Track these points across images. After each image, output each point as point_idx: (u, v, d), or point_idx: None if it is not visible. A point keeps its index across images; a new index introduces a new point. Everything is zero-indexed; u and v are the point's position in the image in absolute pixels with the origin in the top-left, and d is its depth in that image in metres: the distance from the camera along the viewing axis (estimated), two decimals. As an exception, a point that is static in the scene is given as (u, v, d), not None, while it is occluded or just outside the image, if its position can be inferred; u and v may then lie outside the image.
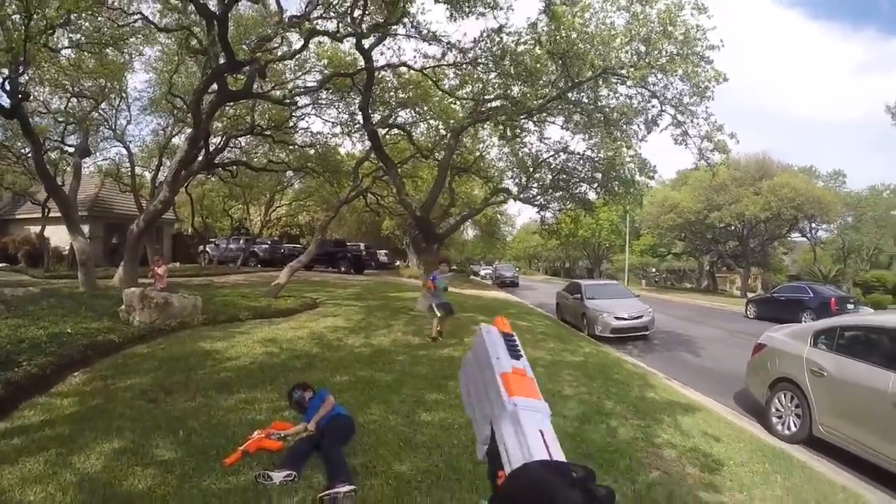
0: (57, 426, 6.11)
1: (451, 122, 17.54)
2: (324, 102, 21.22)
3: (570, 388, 9.26)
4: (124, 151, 26.49)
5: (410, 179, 25.98)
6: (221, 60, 12.58)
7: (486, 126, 19.65)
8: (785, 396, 8.45)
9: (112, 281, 18.40)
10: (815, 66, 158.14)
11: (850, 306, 22.55)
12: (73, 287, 17.14)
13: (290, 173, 31.51)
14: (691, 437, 7.32)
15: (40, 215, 26.93)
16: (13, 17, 13.17)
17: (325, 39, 17.38)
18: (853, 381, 7.22)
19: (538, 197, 19.73)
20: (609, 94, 15.31)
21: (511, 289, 46.86)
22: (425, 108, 19.11)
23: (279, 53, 15.33)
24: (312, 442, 5.32)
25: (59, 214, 18.78)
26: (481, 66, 15.27)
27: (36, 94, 20.44)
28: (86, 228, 28.21)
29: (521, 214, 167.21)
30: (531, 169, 18.78)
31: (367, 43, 14.01)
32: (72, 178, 21.28)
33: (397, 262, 52.33)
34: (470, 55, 14.96)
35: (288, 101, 16.20)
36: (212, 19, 11.58)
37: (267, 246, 40.08)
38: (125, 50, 18.41)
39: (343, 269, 37.12)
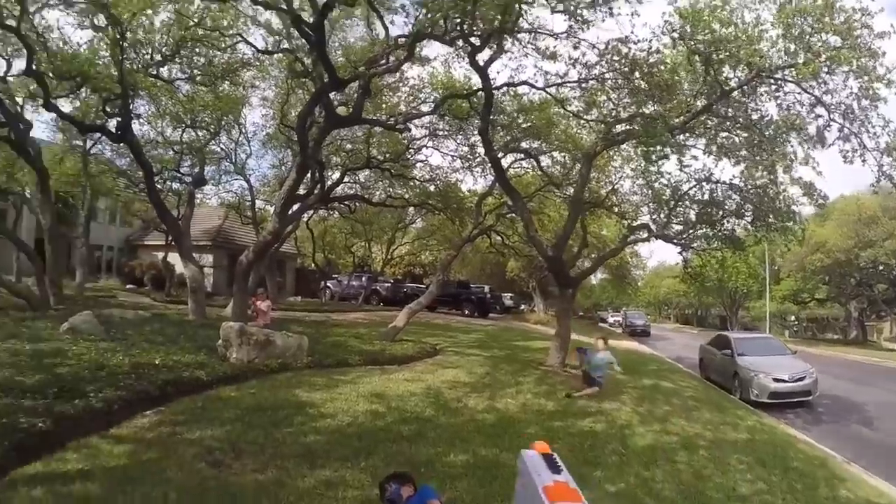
0: (91, 482, 5.07)
1: (578, 153, 15.90)
2: (441, 133, 20.29)
3: (746, 483, 7.18)
4: (245, 185, 27.43)
5: (536, 218, 24.38)
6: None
7: (616, 156, 17.74)
8: None
9: (225, 311, 18.28)
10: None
11: None
12: (184, 314, 17.21)
13: (411, 211, 31.49)
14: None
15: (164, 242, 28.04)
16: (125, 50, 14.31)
17: (439, 67, 16.34)
18: None
19: (681, 235, 17.29)
20: (760, 107, 12.80)
21: (642, 338, 43.35)
22: (550, 137, 17.41)
23: (386, 73, 14.36)
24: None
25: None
26: (609, 81, 13.47)
27: (153, 125, 21.64)
28: (210, 258, 31.90)
29: (651, 257, 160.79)
30: (671, 202, 16.50)
31: (481, 59, 12.61)
32: (186, 206, 22.19)
33: (522, 307, 50.53)
34: (595, 71, 13.17)
35: (400, 126, 15.04)
36: (310, 35, 10.69)
37: (389, 284, 39.54)
38: (239, 82, 18.98)
39: (466, 312, 35.62)
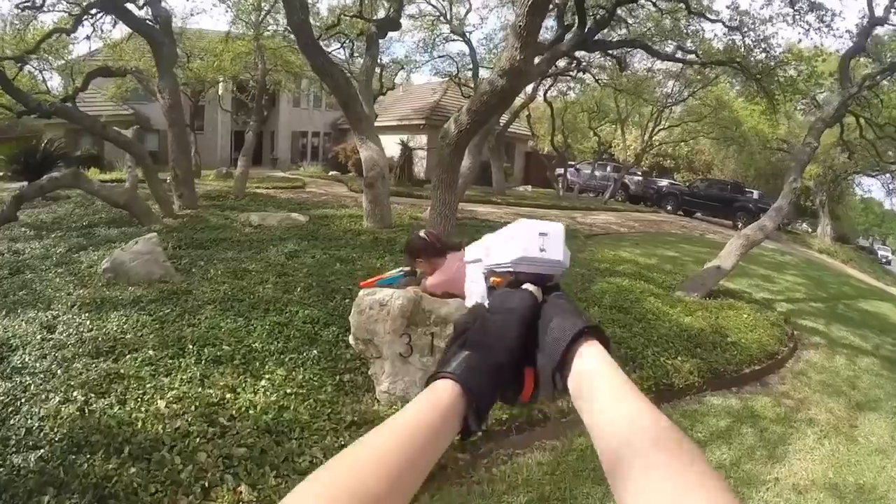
0: None
1: None
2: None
3: None
4: (466, 49, 21.88)
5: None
6: None
7: None
8: None
9: (423, 213, 13.04)
10: None
11: None
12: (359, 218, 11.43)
13: (674, 87, 25.40)
14: None
15: (368, 125, 24.38)
16: None
17: None
18: None
19: None
20: None
21: None
22: None
23: None
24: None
25: (388, 123, 17.66)
26: None
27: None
28: (423, 139, 27.56)
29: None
30: None
31: None
32: (365, 54, 15.67)
33: (791, 224, 40.08)
34: None
35: None
36: None
37: (639, 178, 31.60)
38: None
39: (739, 224, 24.21)
